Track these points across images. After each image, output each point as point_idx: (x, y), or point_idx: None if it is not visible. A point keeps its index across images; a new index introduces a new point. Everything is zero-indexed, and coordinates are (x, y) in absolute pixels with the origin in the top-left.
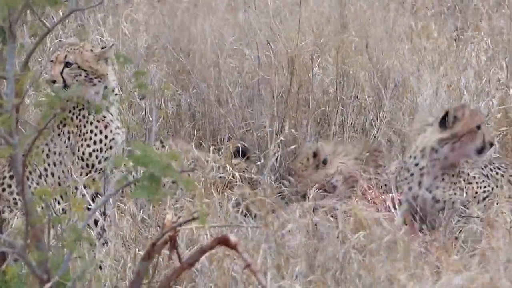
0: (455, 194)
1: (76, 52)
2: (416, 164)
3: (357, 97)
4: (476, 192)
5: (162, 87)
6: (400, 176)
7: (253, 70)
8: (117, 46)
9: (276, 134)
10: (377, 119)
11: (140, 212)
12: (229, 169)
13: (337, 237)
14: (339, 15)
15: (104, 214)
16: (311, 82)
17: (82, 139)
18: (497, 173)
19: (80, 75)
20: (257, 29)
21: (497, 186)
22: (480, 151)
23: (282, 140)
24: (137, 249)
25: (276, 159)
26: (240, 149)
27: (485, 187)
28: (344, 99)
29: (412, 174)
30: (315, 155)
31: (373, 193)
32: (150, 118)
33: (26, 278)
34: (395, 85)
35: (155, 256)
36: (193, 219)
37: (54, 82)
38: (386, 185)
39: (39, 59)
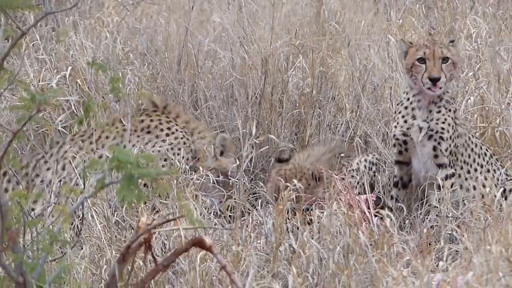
0: (445, 129)
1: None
2: (408, 99)
3: (334, 99)
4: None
5: (138, 90)
6: (396, 110)
7: (228, 71)
8: (93, 49)
9: (251, 135)
10: (355, 120)
11: (114, 215)
12: (202, 171)
13: (312, 237)
14: (315, 15)
15: (79, 217)
16: (285, 83)
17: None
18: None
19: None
20: (230, 31)
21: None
22: (430, 84)
23: (255, 142)
24: (111, 252)
25: (250, 160)
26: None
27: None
28: (321, 100)
29: (406, 107)
30: (317, 178)
31: (348, 194)
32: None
33: (2, 281)
34: (374, 88)
35: (130, 259)
36: (168, 221)
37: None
38: (357, 184)
39: (14, 62)
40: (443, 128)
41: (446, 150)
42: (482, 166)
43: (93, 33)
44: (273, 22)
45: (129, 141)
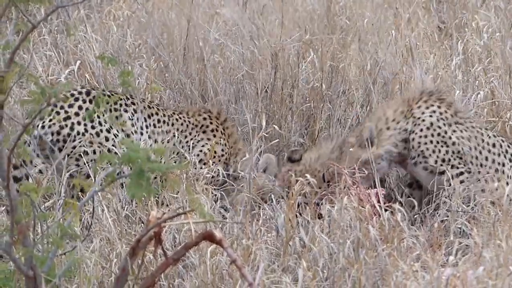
0: (423, 150)
1: None
2: None
3: (344, 93)
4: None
5: (148, 84)
6: None
7: (238, 65)
8: (102, 43)
9: (260, 129)
10: (365, 114)
11: (124, 208)
12: (212, 165)
13: (322, 231)
14: (326, 10)
15: (89, 211)
16: (296, 77)
17: None
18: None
19: None
20: (240, 25)
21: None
22: None
23: (265, 135)
24: (122, 246)
25: (260, 154)
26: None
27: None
28: (331, 94)
29: None
30: (328, 180)
31: (358, 188)
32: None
33: (13, 274)
34: (384, 83)
35: (140, 253)
36: (178, 214)
37: None
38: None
39: (24, 56)
40: (422, 151)
41: (436, 162)
42: (504, 165)
43: (103, 27)
44: (283, 17)
45: (190, 133)
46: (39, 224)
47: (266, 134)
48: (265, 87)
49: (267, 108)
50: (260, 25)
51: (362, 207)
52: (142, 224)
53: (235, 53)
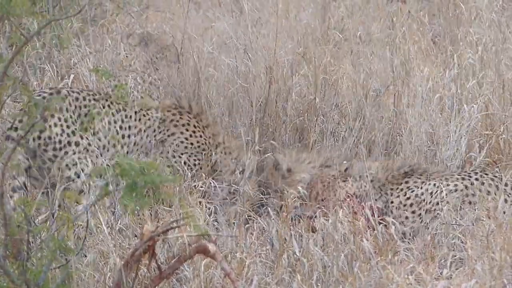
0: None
1: None
2: None
3: (337, 106)
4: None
5: (142, 97)
6: None
7: (231, 78)
8: (96, 57)
9: (254, 142)
10: (358, 127)
11: (117, 222)
12: (205, 178)
13: (316, 244)
14: (320, 23)
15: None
16: (289, 90)
17: None
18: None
19: None
20: (234, 38)
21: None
22: None
23: (259, 149)
24: (116, 259)
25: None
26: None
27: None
28: (324, 107)
29: None
30: (276, 167)
31: (352, 201)
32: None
33: None
34: (377, 95)
35: (134, 266)
36: (172, 228)
37: None
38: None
39: (18, 69)
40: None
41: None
42: None
43: (97, 40)
44: (277, 30)
45: (158, 127)
46: (33, 237)
47: (260, 147)
48: (259, 100)
49: (261, 121)
50: (254, 38)
51: (356, 220)
52: (136, 238)
53: (229, 66)
